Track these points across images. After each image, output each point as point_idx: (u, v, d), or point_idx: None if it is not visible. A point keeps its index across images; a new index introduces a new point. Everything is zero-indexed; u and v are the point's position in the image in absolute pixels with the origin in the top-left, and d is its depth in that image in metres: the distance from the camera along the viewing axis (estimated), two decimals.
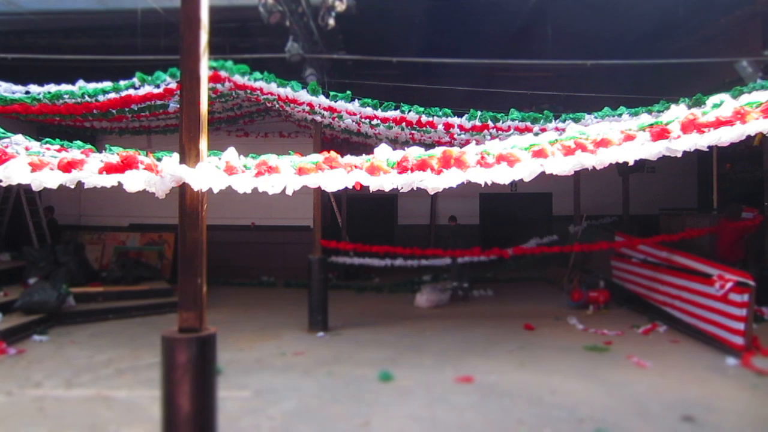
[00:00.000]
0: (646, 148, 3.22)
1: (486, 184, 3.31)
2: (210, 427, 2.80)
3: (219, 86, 6.58)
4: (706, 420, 4.23)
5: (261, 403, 4.62)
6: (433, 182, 3.23)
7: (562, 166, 3.27)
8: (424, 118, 6.77)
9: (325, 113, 6.91)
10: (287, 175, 3.18)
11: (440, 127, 6.91)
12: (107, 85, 6.61)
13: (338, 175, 3.21)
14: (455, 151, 3.34)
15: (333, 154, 3.38)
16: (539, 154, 3.29)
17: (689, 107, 3.77)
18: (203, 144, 2.85)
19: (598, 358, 5.93)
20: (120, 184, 3.02)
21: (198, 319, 2.80)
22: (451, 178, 3.24)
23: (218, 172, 3.02)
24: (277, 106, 7.52)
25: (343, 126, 7.54)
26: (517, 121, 6.74)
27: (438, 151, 3.37)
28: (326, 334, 7.01)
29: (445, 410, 4.47)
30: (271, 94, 6.56)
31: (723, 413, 4.39)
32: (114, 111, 6.97)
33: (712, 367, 5.56)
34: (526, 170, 3.23)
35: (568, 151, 3.32)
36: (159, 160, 3.11)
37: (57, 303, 7.19)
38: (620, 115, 6.35)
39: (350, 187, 3.30)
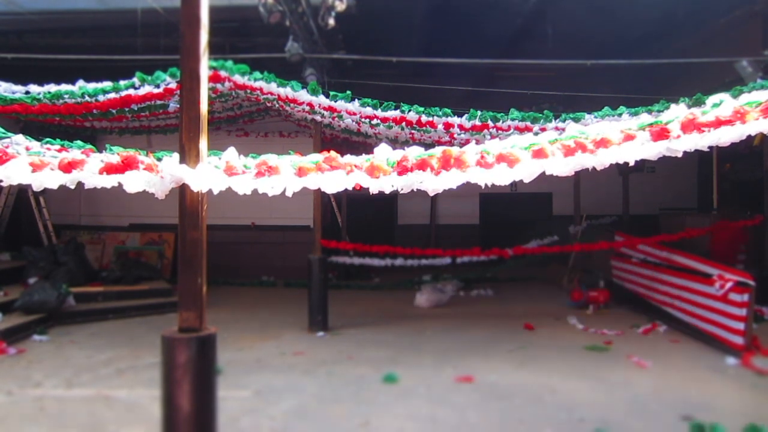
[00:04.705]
0: (647, 148, 3.22)
1: (486, 186, 3.31)
2: (210, 427, 2.80)
3: (219, 86, 6.57)
4: (706, 420, 4.22)
5: (261, 403, 4.62)
6: (433, 183, 3.22)
7: (562, 167, 3.26)
8: (424, 118, 6.77)
9: (325, 113, 6.90)
10: (287, 176, 3.18)
11: (440, 126, 6.91)
12: (107, 85, 6.60)
13: (338, 176, 3.21)
14: (455, 150, 3.33)
15: (333, 153, 3.37)
16: (539, 153, 3.28)
17: (689, 107, 3.76)
18: (203, 144, 2.85)
19: (598, 358, 5.93)
20: (120, 185, 3.01)
21: (198, 319, 2.80)
22: (451, 180, 3.23)
23: (218, 172, 3.01)
24: (277, 106, 7.52)
25: (343, 126, 7.54)
26: (517, 121, 6.73)
27: (438, 151, 3.37)
28: (326, 333, 7.01)
29: (445, 410, 4.47)
30: (271, 94, 6.56)
31: (723, 413, 4.39)
32: (114, 111, 6.96)
33: (712, 367, 5.56)
34: (526, 171, 3.22)
35: (568, 151, 3.31)
36: (159, 159, 3.11)
37: (57, 303, 7.19)
38: (620, 115, 6.34)
39: (350, 188, 3.30)
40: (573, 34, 9.32)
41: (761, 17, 8.39)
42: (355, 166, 3.28)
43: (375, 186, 3.26)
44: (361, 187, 3.33)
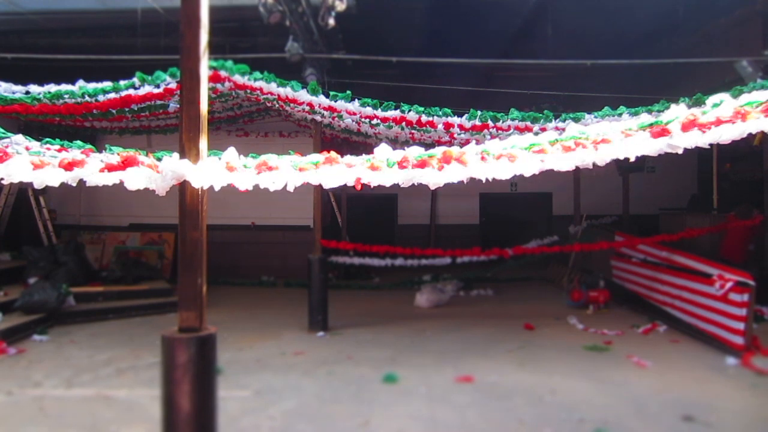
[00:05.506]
0: (647, 145, 3.22)
1: (487, 180, 3.31)
2: (210, 427, 2.80)
3: (219, 86, 6.57)
4: (706, 420, 4.23)
5: (261, 403, 4.62)
6: (435, 177, 3.22)
7: (562, 162, 3.26)
8: (424, 118, 6.77)
9: (325, 113, 6.90)
10: (288, 171, 3.18)
11: (440, 126, 6.91)
12: (107, 85, 6.60)
13: (339, 171, 3.21)
14: (455, 151, 3.33)
15: (333, 154, 3.38)
16: (539, 154, 3.29)
17: (689, 107, 3.77)
18: (203, 144, 2.85)
19: (598, 358, 5.93)
20: (121, 182, 3.01)
21: (198, 319, 2.80)
22: (453, 174, 3.23)
23: (219, 168, 3.01)
24: (277, 105, 7.52)
25: (343, 126, 7.54)
26: (517, 121, 6.73)
27: (438, 151, 3.37)
28: (326, 333, 7.01)
29: (445, 410, 4.47)
30: (271, 93, 6.56)
31: (723, 413, 4.39)
32: (114, 111, 6.97)
33: (712, 367, 5.56)
34: (527, 166, 3.22)
35: (568, 151, 3.32)
36: (159, 159, 3.11)
37: (57, 303, 7.19)
38: (620, 114, 6.34)
39: (351, 184, 3.30)
40: (573, 34, 9.32)
41: (761, 17, 8.40)
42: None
43: (376, 180, 3.26)
44: (362, 186, 3.34)
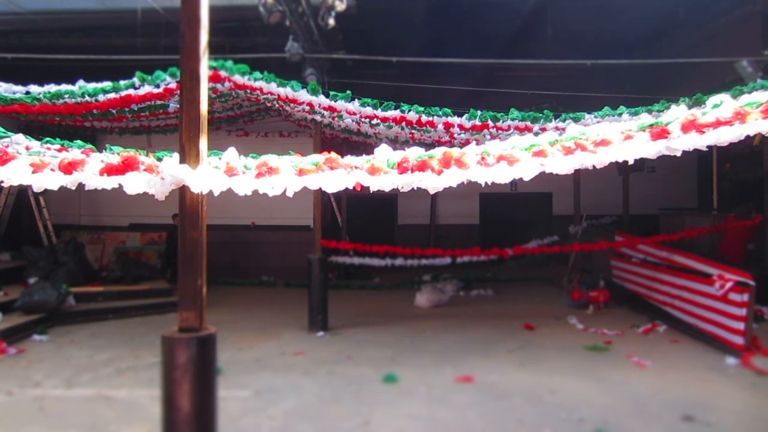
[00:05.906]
0: (646, 147, 3.22)
1: (486, 184, 3.31)
2: (210, 427, 2.80)
3: (219, 86, 6.58)
4: (706, 420, 4.23)
5: (261, 403, 4.62)
6: (434, 182, 3.23)
7: (562, 165, 3.27)
8: (424, 118, 6.77)
9: (325, 113, 6.91)
10: (287, 176, 3.18)
11: (440, 126, 6.91)
12: (107, 85, 6.61)
13: (338, 176, 3.21)
14: (455, 151, 3.33)
15: (333, 154, 3.37)
16: (539, 154, 3.29)
17: (689, 107, 3.77)
18: (203, 144, 2.85)
19: (598, 358, 5.93)
20: (120, 186, 3.01)
21: (198, 319, 2.80)
22: (452, 178, 3.24)
23: (218, 173, 3.02)
24: (277, 105, 7.52)
25: (343, 126, 7.54)
26: (517, 121, 6.73)
27: (438, 152, 3.37)
28: (326, 333, 7.01)
29: (445, 410, 4.47)
30: (271, 93, 6.56)
31: (723, 413, 4.39)
32: (114, 111, 6.97)
33: (712, 367, 5.56)
34: (527, 169, 3.23)
35: (568, 152, 3.32)
36: (159, 159, 3.11)
37: (57, 303, 7.19)
38: (620, 115, 6.35)
39: (350, 187, 3.30)
40: (573, 34, 9.32)
41: (761, 17, 8.40)
42: (356, 167, 3.28)
43: (376, 184, 3.26)
44: (361, 187, 3.34)
